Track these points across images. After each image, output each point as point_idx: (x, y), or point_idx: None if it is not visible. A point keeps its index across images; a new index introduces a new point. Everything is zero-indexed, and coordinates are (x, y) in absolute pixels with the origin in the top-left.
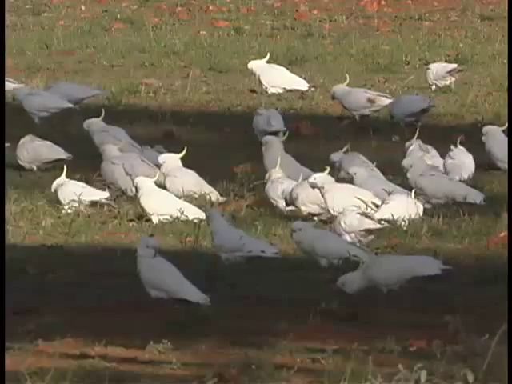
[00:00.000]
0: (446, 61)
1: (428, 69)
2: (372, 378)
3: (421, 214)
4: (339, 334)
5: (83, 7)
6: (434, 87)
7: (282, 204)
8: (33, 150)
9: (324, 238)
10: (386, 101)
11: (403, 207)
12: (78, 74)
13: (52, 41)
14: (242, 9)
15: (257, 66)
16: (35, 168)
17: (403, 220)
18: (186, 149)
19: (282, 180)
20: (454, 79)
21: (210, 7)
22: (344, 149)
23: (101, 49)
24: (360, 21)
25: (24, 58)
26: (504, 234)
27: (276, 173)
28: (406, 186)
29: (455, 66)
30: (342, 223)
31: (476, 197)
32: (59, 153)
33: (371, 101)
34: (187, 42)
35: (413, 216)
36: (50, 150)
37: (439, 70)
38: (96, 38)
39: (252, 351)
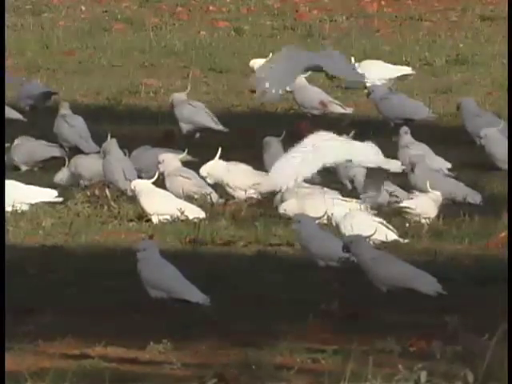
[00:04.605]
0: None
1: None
2: (372, 378)
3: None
4: (339, 334)
5: (83, 7)
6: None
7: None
8: (27, 150)
9: (321, 239)
10: (339, 109)
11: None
12: (78, 74)
13: (52, 41)
14: (242, 9)
15: (258, 65)
16: (28, 167)
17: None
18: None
19: (181, 172)
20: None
21: (210, 7)
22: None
23: (101, 49)
24: (360, 21)
25: (24, 58)
26: (504, 234)
27: (173, 159)
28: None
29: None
30: (355, 227)
31: (475, 197)
32: (53, 151)
33: (323, 104)
34: (187, 42)
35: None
36: (44, 149)
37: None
38: (96, 38)
39: (252, 351)
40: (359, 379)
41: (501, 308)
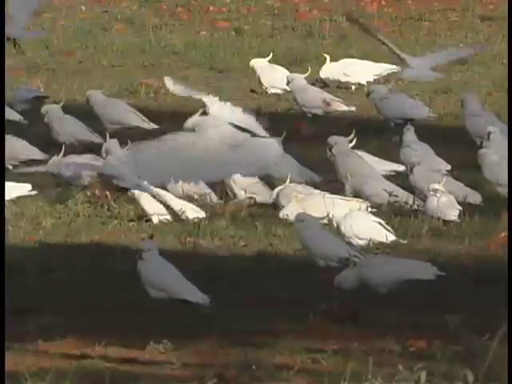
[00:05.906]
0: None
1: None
2: (372, 378)
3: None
4: (339, 334)
5: (83, 7)
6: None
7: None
8: (10, 149)
9: (322, 239)
10: (342, 106)
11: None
12: (78, 74)
13: (52, 41)
14: (242, 9)
15: (258, 64)
16: (11, 168)
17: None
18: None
19: None
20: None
21: (210, 7)
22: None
23: (101, 49)
24: (360, 21)
25: (24, 58)
26: (504, 234)
27: None
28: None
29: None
30: (355, 227)
31: (475, 197)
32: (35, 153)
33: (326, 103)
34: (187, 42)
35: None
36: (26, 150)
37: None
38: (96, 37)
39: (252, 351)
40: (359, 379)
41: (501, 308)
